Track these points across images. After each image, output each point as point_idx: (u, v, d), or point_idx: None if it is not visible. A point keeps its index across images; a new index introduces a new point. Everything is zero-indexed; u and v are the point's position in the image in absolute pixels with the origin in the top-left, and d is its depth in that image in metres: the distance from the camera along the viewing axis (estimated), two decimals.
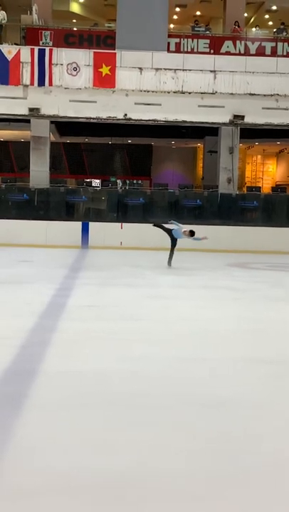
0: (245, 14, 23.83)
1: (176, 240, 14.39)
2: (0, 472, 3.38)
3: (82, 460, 3.53)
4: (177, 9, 25.19)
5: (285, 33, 22.60)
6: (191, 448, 3.77)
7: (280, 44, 21.62)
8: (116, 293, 10.41)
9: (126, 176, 29.18)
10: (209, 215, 21.33)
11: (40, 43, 20.62)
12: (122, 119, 20.85)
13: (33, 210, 21.01)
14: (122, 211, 21.66)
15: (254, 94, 20.48)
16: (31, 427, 4.05)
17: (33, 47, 20.00)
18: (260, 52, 21.33)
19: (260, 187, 26.11)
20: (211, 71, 20.36)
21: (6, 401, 4.53)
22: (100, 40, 21.31)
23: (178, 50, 21.03)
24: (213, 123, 21.21)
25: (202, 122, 21.19)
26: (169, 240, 14.46)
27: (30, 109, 20.18)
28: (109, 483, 3.29)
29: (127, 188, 24.75)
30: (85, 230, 19.80)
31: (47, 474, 3.35)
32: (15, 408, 4.36)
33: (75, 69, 19.79)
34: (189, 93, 20.38)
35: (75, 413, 4.33)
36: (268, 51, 21.42)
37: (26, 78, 19.78)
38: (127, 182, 26.73)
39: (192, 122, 21.29)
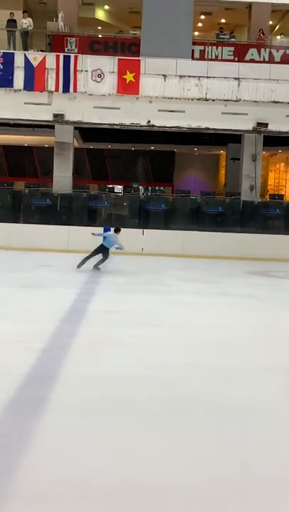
0: (270, 22, 23.78)
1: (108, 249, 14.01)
2: (19, 476, 3.42)
3: (100, 465, 3.56)
4: (202, 17, 25.22)
5: None
6: (208, 455, 3.78)
7: None
8: (136, 299, 10.44)
9: (148, 183, 29.22)
10: (231, 223, 21.26)
11: (66, 49, 20.78)
12: (145, 126, 20.90)
13: (55, 215, 21.14)
14: (143, 217, 21.69)
15: (278, 102, 20.40)
16: (51, 432, 4.09)
17: (58, 53, 20.17)
18: (285, 60, 21.25)
19: (282, 195, 25.95)
20: (235, 78, 20.33)
21: (26, 405, 4.58)
22: (124, 47, 21.41)
23: (202, 58, 21.04)
24: (236, 130, 21.15)
25: (225, 129, 21.15)
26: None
27: (55, 115, 20.34)
28: (125, 489, 3.30)
29: (149, 194, 24.77)
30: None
31: (65, 479, 3.38)
32: (35, 412, 4.41)
33: (99, 75, 19.92)
34: (213, 100, 20.37)
35: (95, 418, 4.36)
36: None
37: (51, 84, 19.96)
38: (149, 188, 26.75)
39: (215, 129, 21.26)
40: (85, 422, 4.28)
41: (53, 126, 21.30)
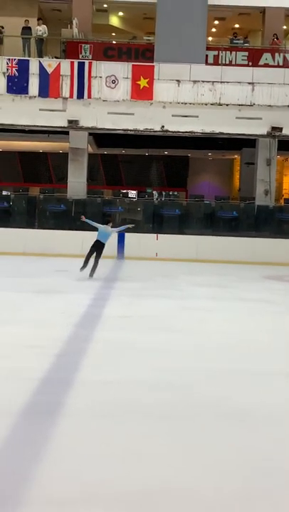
0: (284, 27, 23.75)
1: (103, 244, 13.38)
2: (34, 480, 3.44)
3: (113, 470, 3.57)
4: (216, 22, 25.25)
5: None
6: (223, 460, 3.77)
7: None
8: (151, 304, 10.44)
9: (162, 188, 29.27)
10: (246, 227, 21.22)
11: (80, 56, 20.92)
12: (159, 131, 20.96)
13: (69, 220, 21.25)
14: (157, 222, 21.72)
15: None
16: (66, 436, 4.11)
17: (72, 60, 20.31)
18: None
19: None
20: (249, 83, 20.33)
21: (42, 409, 4.60)
22: (138, 53, 21.51)
23: (216, 63, 21.08)
24: (250, 135, 21.14)
25: (239, 134, 21.15)
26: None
27: (69, 121, 20.46)
28: (137, 493, 3.31)
29: (163, 199, 24.81)
30: (121, 240, 19.93)
31: (79, 484, 3.39)
32: (51, 417, 4.43)
33: (113, 81, 20.03)
34: (227, 105, 20.38)
35: (110, 423, 4.37)
36: None
37: (66, 91, 20.09)
38: (163, 193, 26.79)
39: (229, 134, 21.27)
40: (100, 427, 4.29)
41: (68, 132, 21.43)
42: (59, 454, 3.80)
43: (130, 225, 13.82)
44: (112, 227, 13.88)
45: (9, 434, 4.07)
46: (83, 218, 14.25)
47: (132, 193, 24.80)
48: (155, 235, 20.29)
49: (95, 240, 13.44)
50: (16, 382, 5.26)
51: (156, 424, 4.39)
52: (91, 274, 13.11)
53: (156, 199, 24.31)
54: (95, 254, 13.27)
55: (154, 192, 25.94)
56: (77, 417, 4.47)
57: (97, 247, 13.30)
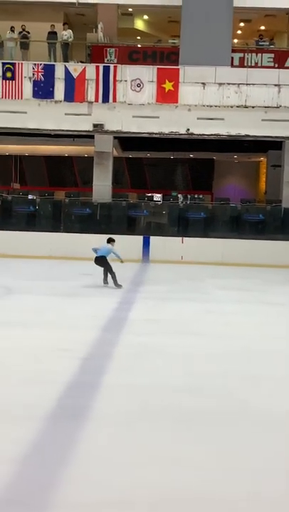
0: None
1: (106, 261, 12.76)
2: (62, 483, 3.42)
3: (140, 475, 3.53)
4: (241, 24, 25.12)
5: None
6: (253, 467, 3.71)
7: None
8: (177, 307, 10.39)
9: (187, 191, 29.20)
10: (272, 230, 21.01)
11: (105, 60, 20.99)
12: (184, 134, 20.90)
13: (95, 223, 21.31)
14: (183, 225, 21.66)
15: None
16: (93, 440, 4.09)
17: (98, 64, 20.39)
18: None
19: None
20: (275, 85, 20.16)
21: (68, 413, 4.59)
22: (163, 56, 21.51)
23: (242, 65, 20.96)
24: (277, 137, 20.96)
25: (265, 136, 20.97)
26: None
27: (95, 125, 20.54)
28: (166, 499, 3.26)
29: (188, 202, 24.73)
30: (146, 244, 19.91)
31: (105, 488, 3.36)
32: (77, 420, 4.41)
33: (138, 85, 20.05)
34: (253, 107, 20.24)
35: (136, 427, 4.33)
36: None
37: (91, 95, 20.18)
38: (188, 196, 26.71)
39: (255, 136, 21.11)
40: (126, 431, 4.26)
41: (93, 136, 21.52)
42: (86, 458, 3.78)
43: (120, 261, 13.00)
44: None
45: (36, 437, 4.06)
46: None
47: (157, 197, 24.79)
48: (180, 238, 20.23)
49: (95, 257, 12.78)
50: (42, 385, 5.26)
51: (185, 429, 4.34)
52: (105, 281, 12.63)
53: (182, 202, 24.24)
54: (103, 269, 12.75)
55: (179, 195, 25.88)
56: (104, 421, 4.45)
57: (102, 264, 12.69)
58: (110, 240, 13.30)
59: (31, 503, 3.17)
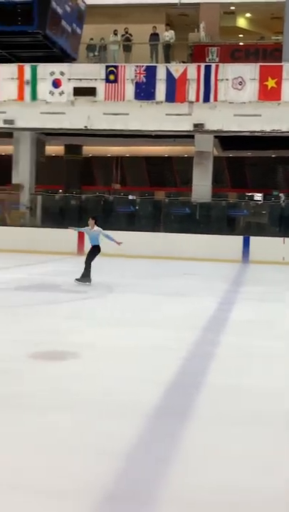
0: None
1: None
2: (163, 480, 3.45)
3: (244, 477, 3.48)
4: None
5: None
6: None
7: None
8: (279, 309, 10.18)
9: None
10: None
11: (207, 59, 20.97)
12: (287, 132, 20.44)
13: (194, 223, 21.32)
14: (284, 225, 21.16)
15: None
16: (197, 441, 4.08)
17: (199, 64, 20.38)
18: None
19: None
20: None
21: (171, 412, 4.61)
22: (266, 53, 21.15)
23: None
24: None
25: None
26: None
27: (195, 125, 20.53)
28: (272, 503, 3.20)
29: None
30: (246, 244, 19.64)
31: (211, 489, 3.35)
32: (181, 420, 4.43)
33: (240, 83, 19.81)
34: None
35: (241, 429, 4.28)
36: None
37: (192, 95, 20.20)
38: None
39: None
40: (232, 433, 4.22)
41: (193, 136, 21.51)
42: (191, 459, 3.78)
43: (118, 242, 11.96)
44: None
45: (138, 435, 4.11)
46: (70, 228, 13.17)
47: (258, 196, 24.38)
48: (282, 238, 19.75)
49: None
50: (143, 384, 5.32)
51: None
52: (78, 279, 11.59)
53: (283, 201, 23.70)
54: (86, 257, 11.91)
55: (281, 194, 25.30)
56: (210, 422, 4.43)
57: (94, 252, 11.93)
58: (95, 219, 11.99)
59: (140, 497, 3.22)
